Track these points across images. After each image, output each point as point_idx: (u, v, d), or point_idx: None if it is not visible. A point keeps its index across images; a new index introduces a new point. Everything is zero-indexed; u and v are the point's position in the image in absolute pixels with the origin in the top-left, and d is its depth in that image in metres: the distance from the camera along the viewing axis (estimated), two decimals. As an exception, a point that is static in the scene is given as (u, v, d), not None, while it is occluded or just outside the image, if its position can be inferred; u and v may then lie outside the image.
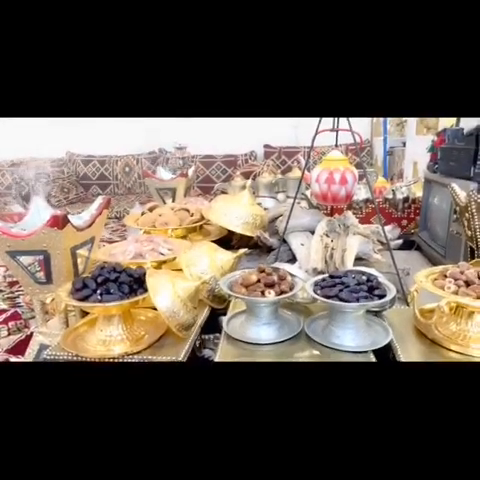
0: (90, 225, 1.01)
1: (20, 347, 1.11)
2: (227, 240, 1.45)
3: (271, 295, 0.79)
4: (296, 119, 2.74)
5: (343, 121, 1.10)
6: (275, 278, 0.83)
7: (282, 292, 0.81)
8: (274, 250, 1.27)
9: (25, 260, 1.00)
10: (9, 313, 1.34)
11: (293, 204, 1.22)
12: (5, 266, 1.82)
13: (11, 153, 3.38)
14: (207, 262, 1.03)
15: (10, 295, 1.50)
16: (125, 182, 3.14)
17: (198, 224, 1.38)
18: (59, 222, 0.89)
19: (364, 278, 0.78)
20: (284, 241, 1.26)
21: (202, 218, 1.39)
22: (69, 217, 0.95)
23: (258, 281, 0.83)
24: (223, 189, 1.99)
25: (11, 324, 1.26)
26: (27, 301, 1.33)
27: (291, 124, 2.74)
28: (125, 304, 0.83)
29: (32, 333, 1.19)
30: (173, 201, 1.80)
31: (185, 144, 2.17)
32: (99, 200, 1.07)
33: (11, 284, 1.61)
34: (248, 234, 1.27)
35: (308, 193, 1.60)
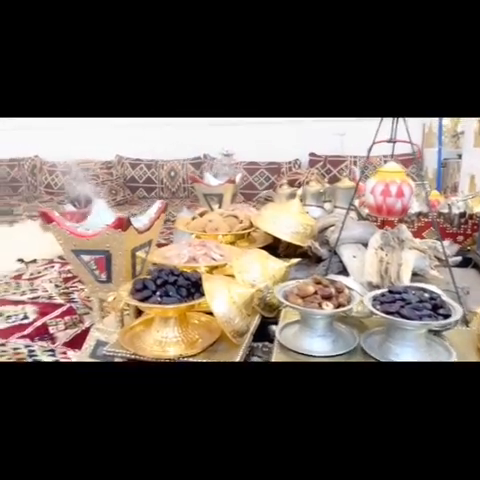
0: (149, 228, 1.05)
1: (77, 341, 1.17)
2: (272, 248, 1.46)
3: (329, 308, 0.79)
4: (343, 127, 2.71)
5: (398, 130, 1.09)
6: (332, 290, 0.82)
7: (340, 305, 0.81)
8: (323, 261, 1.26)
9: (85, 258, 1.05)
10: (65, 308, 1.41)
11: (346, 215, 1.21)
12: (60, 262, 1.92)
13: (65, 155, 3.55)
14: (259, 270, 1.04)
15: (65, 290, 1.57)
16: (170, 186, 3.23)
17: (247, 231, 1.39)
18: (123, 224, 0.93)
19: (427, 295, 0.76)
20: (334, 252, 1.25)
21: (251, 225, 1.41)
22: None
23: (315, 293, 0.82)
24: (268, 197, 2.00)
25: (67, 318, 1.32)
26: (82, 297, 1.40)
27: (337, 132, 2.72)
28: (183, 307, 0.86)
29: (87, 328, 1.25)
30: (220, 207, 1.83)
31: (231, 150, 2.21)
32: (157, 204, 1.10)
33: (66, 280, 1.70)
34: (298, 243, 1.27)
35: (357, 203, 1.58)
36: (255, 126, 3.13)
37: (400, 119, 1.13)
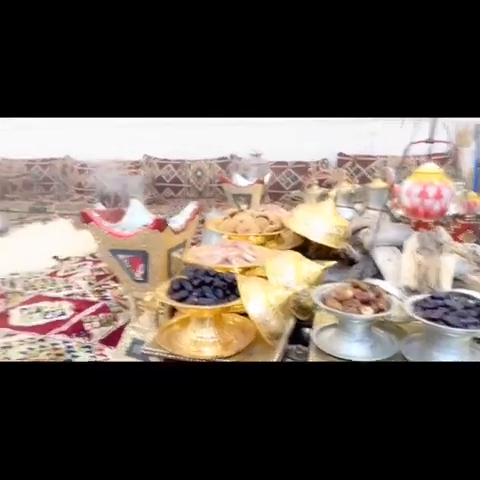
0: (184, 229, 1.06)
1: (112, 338, 1.20)
2: (302, 249, 1.45)
3: (368, 312, 0.78)
4: (374, 126, 2.66)
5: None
6: (371, 295, 0.81)
7: (379, 310, 0.79)
8: (356, 263, 1.24)
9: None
10: (99, 305, 1.44)
11: (380, 217, 1.18)
12: (92, 260, 1.97)
13: (95, 154, 3.64)
14: (293, 272, 1.04)
15: (98, 288, 1.61)
16: (196, 186, 3.25)
17: (278, 232, 1.39)
18: (161, 225, 0.94)
19: (472, 302, 0.74)
20: (366, 254, 1.23)
21: (282, 226, 1.40)
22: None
23: (353, 297, 0.81)
24: (297, 197, 1.99)
25: (101, 316, 1.36)
26: (115, 295, 1.43)
27: (367, 132, 2.67)
28: (219, 308, 0.86)
29: (121, 326, 1.27)
30: (248, 207, 1.83)
31: (259, 150, 2.21)
32: (192, 205, 1.12)
33: (98, 278, 1.74)
34: (331, 246, 1.26)
35: (389, 205, 1.55)
36: (281, 125, 3.11)
37: (436, 119, 1.11)
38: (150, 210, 1.23)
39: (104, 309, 1.42)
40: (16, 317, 1.37)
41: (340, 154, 2.89)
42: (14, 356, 1.13)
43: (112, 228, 1.02)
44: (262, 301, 0.85)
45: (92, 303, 1.47)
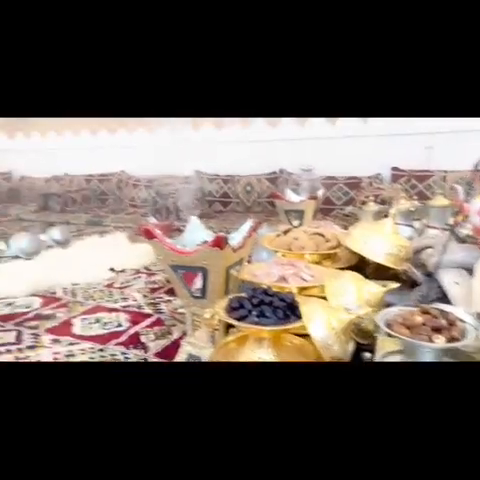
0: (242, 246, 1.06)
1: (167, 352, 1.22)
2: (358, 268, 1.40)
3: (441, 341, 0.73)
4: (430, 139, 2.56)
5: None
6: (444, 322, 0.76)
7: (452, 338, 0.74)
8: (418, 285, 1.18)
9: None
10: (154, 318, 1.48)
11: (448, 237, 1.12)
12: (146, 273, 2.03)
13: (148, 169, 3.80)
14: (354, 293, 1.00)
15: (152, 301, 1.66)
16: (245, 201, 3.28)
17: (335, 251, 1.35)
18: (221, 243, 0.95)
19: None
20: (430, 276, 1.17)
21: (338, 244, 1.37)
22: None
23: (423, 323, 0.77)
24: (351, 213, 1.94)
25: (156, 329, 1.39)
26: (170, 309, 1.46)
27: (424, 145, 2.57)
28: (280, 329, 0.85)
29: (176, 340, 1.29)
30: (300, 224, 1.81)
31: (311, 166, 2.19)
32: (249, 223, 1.12)
33: (152, 290, 1.79)
34: (392, 266, 1.21)
35: (451, 222, 1.46)
36: (333, 140, 3.08)
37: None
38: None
39: (159, 322, 1.45)
40: (78, 326, 1.43)
41: (394, 169, 2.79)
42: (77, 365, 1.18)
43: (174, 244, 1.04)
44: (324, 324, 0.83)
45: (147, 315, 1.51)
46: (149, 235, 1.06)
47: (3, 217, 3.67)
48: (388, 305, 1.09)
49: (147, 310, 1.57)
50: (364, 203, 1.83)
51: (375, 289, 1.01)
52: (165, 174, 3.69)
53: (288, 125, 3.25)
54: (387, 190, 2.26)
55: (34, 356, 1.23)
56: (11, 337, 1.35)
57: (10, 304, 1.65)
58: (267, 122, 3.34)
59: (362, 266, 1.43)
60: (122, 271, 2.08)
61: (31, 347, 1.28)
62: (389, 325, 0.81)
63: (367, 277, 1.34)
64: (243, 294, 0.97)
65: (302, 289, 1.10)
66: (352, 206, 2.19)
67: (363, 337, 1.00)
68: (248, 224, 1.12)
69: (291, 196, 1.90)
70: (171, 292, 1.73)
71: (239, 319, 0.87)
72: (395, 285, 1.01)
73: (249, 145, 3.38)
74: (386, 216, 1.43)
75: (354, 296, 0.99)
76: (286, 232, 1.48)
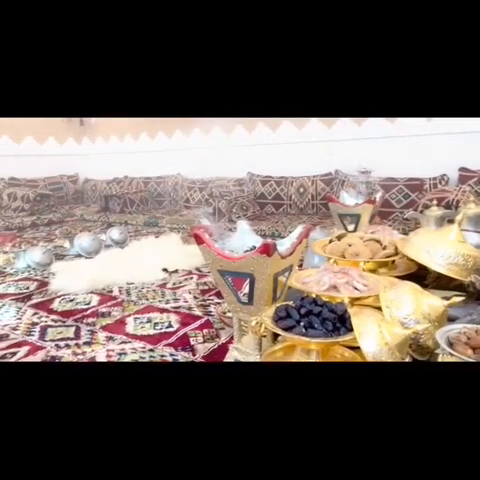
0: (291, 253, 1.03)
1: (214, 356, 1.22)
2: (417, 277, 1.30)
3: (514, 366, 0.65)
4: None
5: None
6: (517, 345, 0.67)
7: None
8: (487, 299, 1.07)
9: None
10: (203, 320, 1.49)
11: (524, 248, 1.00)
12: (198, 274, 2.06)
13: (203, 172, 3.87)
14: (412, 306, 0.93)
15: (202, 303, 1.67)
16: (298, 203, 3.22)
17: (392, 259, 1.27)
18: (269, 250, 0.93)
19: None
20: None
21: (396, 252, 1.28)
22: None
23: (492, 345, 0.69)
24: (412, 217, 1.82)
25: (205, 331, 1.40)
26: (219, 312, 1.46)
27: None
28: (329, 342, 0.81)
29: (224, 344, 1.29)
30: (355, 228, 1.73)
31: (369, 167, 2.08)
32: (300, 229, 1.08)
33: (203, 292, 1.81)
34: (456, 277, 1.10)
35: None
36: (393, 139, 2.93)
37: None
38: (251, 226, 1.24)
39: (208, 325, 1.45)
40: (131, 325, 1.48)
41: (462, 169, 2.58)
42: (128, 363, 1.22)
43: (222, 250, 1.04)
44: (377, 338, 0.78)
45: (197, 318, 1.52)
46: (199, 240, 1.06)
47: (69, 217, 3.95)
48: (451, 320, 1.00)
49: (197, 312, 1.58)
50: (427, 207, 1.71)
51: (436, 302, 0.93)
52: (219, 176, 3.74)
53: (344, 124, 3.14)
54: (453, 193, 2.09)
55: (90, 352, 1.29)
56: (70, 332, 1.44)
57: (71, 300, 1.75)
58: (322, 122, 3.25)
59: (421, 275, 1.33)
60: (175, 272, 2.13)
61: (88, 343, 1.35)
62: (451, 344, 0.74)
63: (427, 287, 1.25)
64: (291, 303, 0.94)
65: (354, 299, 1.04)
66: (413, 210, 2.05)
67: (421, 353, 0.92)
68: (298, 230, 1.08)
69: (346, 199, 1.83)
70: (220, 295, 1.74)
71: (286, 329, 0.85)
72: (459, 298, 0.92)
73: (303, 146, 3.32)
74: (451, 221, 1.32)
75: (412, 309, 0.92)
76: (340, 237, 1.42)
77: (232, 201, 3.21)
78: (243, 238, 1.17)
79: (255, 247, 1.09)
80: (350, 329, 0.83)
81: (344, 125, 3.15)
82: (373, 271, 1.28)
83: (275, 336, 1.09)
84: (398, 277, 1.21)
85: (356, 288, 1.05)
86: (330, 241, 1.41)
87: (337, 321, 0.84)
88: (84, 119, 4.76)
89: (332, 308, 0.87)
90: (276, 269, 0.99)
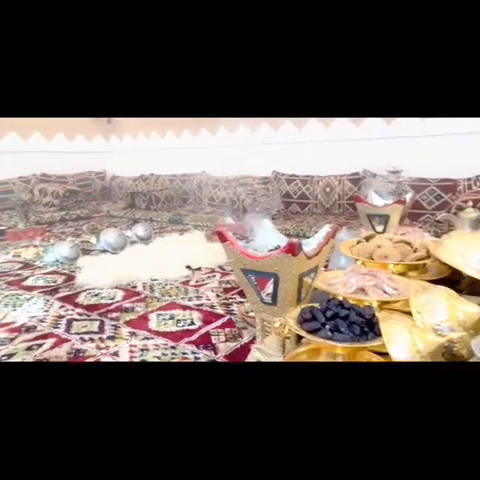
0: (317, 253, 1.00)
1: (236, 356, 1.20)
2: (449, 282, 1.24)
3: None
4: None
5: None
6: None
7: None
8: None
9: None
10: (225, 319, 1.48)
11: None
12: (221, 272, 2.05)
13: (228, 170, 3.87)
14: (445, 312, 0.88)
15: (225, 301, 1.66)
16: (324, 202, 3.16)
17: (424, 262, 1.22)
18: (294, 249, 0.90)
19: None
20: None
21: (428, 255, 1.23)
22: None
23: None
24: (445, 220, 1.74)
25: (227, 330, 1.38)
26: (242, 311, 1.45)
27: None
28: (356, 347, 0.78)
29: (246, 344, 1.27)
30: (384, 229, 1.68)
31: (399, 167, 2.01)
32: (326, 228, 1.05)
33: (225, 290, 1.79)
34: (494, 283, 1.04)
35: None
36: (424, 138, 2.83)
37: None
38: (276, 225, 1.22)
39: (230, 324, 1.44)
40: (153, 321, 1.49)
41: (499, 170, 2.46)
42: (149, 360, 1.22)
43: (245, 248, 1.02)
44: (408, 346, 0.74)
45: (219, 316, 1.51)
46: (222, 238, 1.05)
47: (96, 213, 4.03)
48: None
49: (219, 310, 1.57)
50: (461, 209, 1.63)
51: (472, 309, 0.88)
52: (244, 175, 3.72)
53: (373, 123, 3.06)
54: (489, 194, 2.00)
55: (113, 347, 1.30)
56: (95, 326, 1.45)
57: (96, 295, 1.78)
58: (350, 121, 3.18)
59: (454, 280, 1.27)
60: (198, 269, 2.13)
61: (111, 338, 1.36)
62: (489, 355, 0.69)
63: (460, 293, 1.19)
64: (316, 305, 0.91)
65: (383, 303, 1.00)
66: (446, 212, 1.97)
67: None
68: (325, 229, 1.05)
69: (375, 199, 1.77)
70: (243, 294, 1.72)
71: (311, 332, 0.82)
72: (498, 307, 0.87)
73: (330, 144, 3.25)
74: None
75: (445, 315, 0.87)
76: (368, 238, 1.37)
77: (257, 199, 3.19)
78: (267, 237, 1.14)
79: (279, 246, 1.06)
80: (378, 334, 0.79)
81: (373, 123, 3.06)
82: (402, 274, 1.23)
83: (299, 338, 1.07)
84: (429, 281, 1.16)
85: (385, 291, 1.01)
86: (358, 242, 1.37)
87: (365, 325, 0.81)
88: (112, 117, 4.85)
89: (360, 311, 0.84)
90: (301, 269, 0.96)
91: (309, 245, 1.03)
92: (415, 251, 1.24)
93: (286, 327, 0.91)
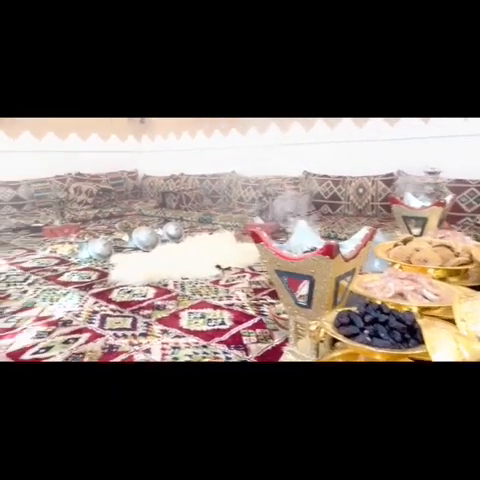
0: (355, 256, 0.97)
1: (267, 358, 1.19)
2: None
3: None
4: None
5: None
6: None
7: None
8: None
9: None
10: (256, 320, 1.47)
11: None
12: (250, 273, 2.05)
13: (257, 170, 3.86)
14: (492, 321, 0.84)
15: (255, 302, 1.65)
16: (357, 204, 3.10)
17: (466, 267, 1.16)
18: (332, 252, 0.88)
19: None
20: None
21: (471, 260, 1.17)
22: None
23: None
24: (486, 223, 1.66)
25: (258, 331, 1.37)
26: (273, 313, 1.43)
27: None
28: (396, 354, 0.75)
29: (278, 346, 1.26)
30: (421, 232, 1.62)
31: (437, 167, 1.94)
32: (364, 231, 1.02)
33: (255, 291, 1.78)
34: None
35: None
36: (463, 138, 2.71)
37: None
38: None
39: (261, 325, 1.43)
40: (185, 320, 1.50)
41: None
42: (181, 358, 1.23)
43: (280, 249, 1.00)
44: (454, 355, 0.70)
45: (250, 317, 1.50)
46: (256, 238, 1.04)
47: (128, 212, 4.12)
48: None
49: (250, 311, 1.57)
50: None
51: (521, 318, 0.83)
52: (274, 175, 3.71)
53: (408, 122, 2.97)
54: None
55: (145, 344, 1.31)
56: (127, 323, 1.48)
57: (129, 292, 1.81)
58: (385, 121, 3.09)
59: (499, 286, 1.20)
60: (228, 269, 2.13)
61: (143, 335, 1.38)
62: None
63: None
64: (354, 309, 0.89)
65: (423, 309, 0.96)
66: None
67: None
68: (363, 231, 1.02)
69: (411, 201, 1.71)
70: (274, 295, 1.71)
71: (349, 336, 0.80)
72: None
73: (363, 145, 3.18)
74: None
75: (492, 324, 0.83)
76: (406, 241, 1.33)
77: (287, 200, 3.16)
78: (301, 238, 1.13)
79: (315, 248, 1.04)
80: (420, 341, 0.76)
81: (408, 123, 2.97)
82: (442, 279, 1.18)
83: (333, 342, 1.04)
84: (471, 287, 1.11)
85: (425, 297, 0.97)
86: (395, 245, 1.33)
87: (406, 332, 0.78)
88: (144, 117, 4.94)
89: (400, 317, 0.81)
90: (338, 272, 0.94)
91: (346, 247, 1.00)
92: (456, 255, 1.19)
93: (322, 330, 0.89)
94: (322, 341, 1.02)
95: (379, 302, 0.93)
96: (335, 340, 0.99)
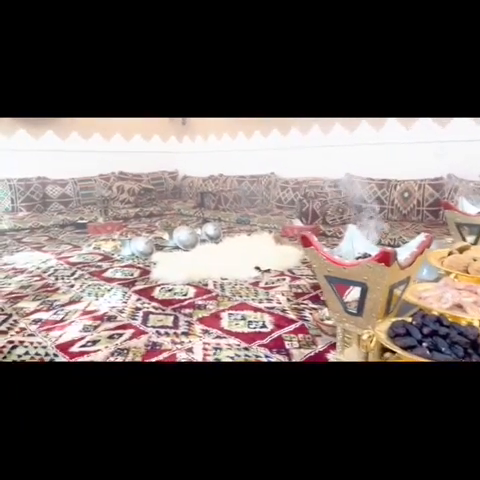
0: (411, 264, 0.93)
1: (311, 365, 1.16)
2: None
3: None
4: None
5: None
6: None
7: None
8: None
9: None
10: (298, 325, 1.44)
11: None
12: (291, 276, 2.02)
13: (297, 171, 3.81)
14: None
15: (296, 306, 1.62)
16: (401, 208, 2.99)
17: None
18: (389, 259, 0.84)
19: None
20: None
21: None
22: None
23: None
24: None
25: (300, 336, 1.35)
26: (316, 318, 1.40)
27: None
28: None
29: (321, 352, 1.23)
30: (477, 241, 1.53)
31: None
32: (421, 237, 0.97)
33: (296, 295, 1.75)
34: None
35: None
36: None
37: None
38: (346, 230, 1.15)
39: (303, 330, 1.40)
40: (225, 321, 1.50)
41: None
42: (223, 359, 1.22)
43: (331, 255, 0.98)
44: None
45: (291, 321, 1.48)
46: (306, 243, 1.02)
47: (167, 211, 4.19)
48: None
49: (291, 315, 1.54)
50: None
51: None
52: (314, 177, 3.65)
53: (460, 123, 2.82)
54: None
55: (187, 343, 1.32)
56: (169, 321, 1.50)
57: (170, 290, 1.84)
58: (436, 121, 2.96)
59: None
60: (267, 271, 2.11)
61: (185, 333, 1.39)
62: None
63: None
64: (409, 319, 0.84)
65: (484, 322, 0.90)
66: None
67: None
68: (419, 238, 0.97)
69: (466, 207, 1.62)
70: (316, 300, 1.67)
71: (405, 348, 0.76)
72: None
73: (410, 147, 3.06)
74: None
75: None
76: (462, 250, 1.25)
77: (327, 203, 3.10)
78: (352, 243, 1.09)
79: (367, 254, 1.00)
80: (485, 358, 0.71)
81: (460, 124, 2.82)
82: (503, 292, 1.10)
83: (383, 351, 1.00)
84: None
85: (487, 310, 0.91)
86: (449, 253, 1.26)
87: (469, 346, 0.73)
88: (186, 118, 5.01)
89: (462, 331, 0.76)
90: (393, 280, 0.90)
91: (401, 254, 0.96)
92: (520, 267, 1.11)
93: (374, 340, 0.85)
94: (371, 350, 0.98)
95: (436, 313, 0.88)
96: (386, 349, 0.95)
